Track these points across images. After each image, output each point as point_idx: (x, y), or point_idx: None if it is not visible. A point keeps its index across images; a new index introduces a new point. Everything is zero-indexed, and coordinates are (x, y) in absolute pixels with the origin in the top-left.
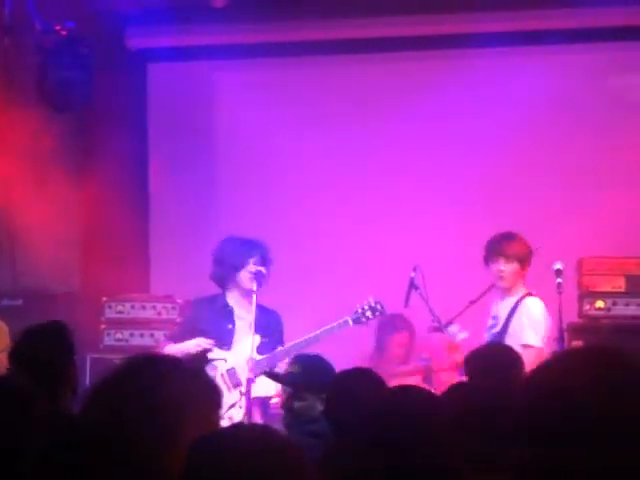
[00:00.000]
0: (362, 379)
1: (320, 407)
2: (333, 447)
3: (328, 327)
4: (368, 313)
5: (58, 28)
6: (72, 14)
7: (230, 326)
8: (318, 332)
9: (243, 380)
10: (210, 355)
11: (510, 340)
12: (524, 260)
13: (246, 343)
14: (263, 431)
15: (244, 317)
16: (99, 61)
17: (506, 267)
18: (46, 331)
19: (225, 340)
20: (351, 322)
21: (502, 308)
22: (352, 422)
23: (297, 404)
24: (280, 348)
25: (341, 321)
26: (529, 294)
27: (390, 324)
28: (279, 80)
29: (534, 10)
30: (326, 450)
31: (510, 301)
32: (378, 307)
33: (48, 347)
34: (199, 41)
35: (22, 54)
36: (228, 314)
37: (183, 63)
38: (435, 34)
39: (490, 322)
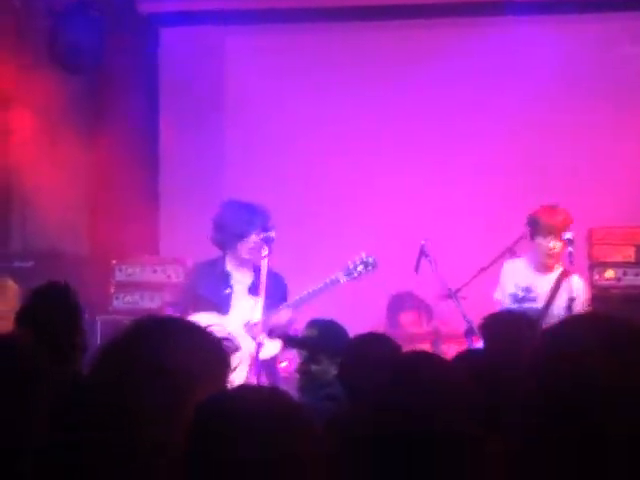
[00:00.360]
0: (377, 344)
1: (334, 371)
2: (347, 411)
3: (321, 284)
4: (360, 267)
5: None
6: None
7: (228, 291)
8: (310, 290)
9: (242, 344)
10: (209, 321)
11: (553, 317)
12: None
13: (243, 307)
14: (270, 393)
15: (242, 281)
16: (110, 25)
17: (556, 245)
18: (47, 292)
19: (223, 305)
20: (343, 277)
21: (541, 283)
22: (366, 387)
23: (314, 367)
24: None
25: (333, 277)
26: (569, 272)
27: (400, 302)
28: (289, 46)
29: None
30: (339, 414)
31: (550, 277)
32: (370, 261)
33: (48, 308)
34: (209, 5)
35: (33, 17)
36: (225, 279)
37: (194, 27)
38: (447, 2)
39: (520, 293)
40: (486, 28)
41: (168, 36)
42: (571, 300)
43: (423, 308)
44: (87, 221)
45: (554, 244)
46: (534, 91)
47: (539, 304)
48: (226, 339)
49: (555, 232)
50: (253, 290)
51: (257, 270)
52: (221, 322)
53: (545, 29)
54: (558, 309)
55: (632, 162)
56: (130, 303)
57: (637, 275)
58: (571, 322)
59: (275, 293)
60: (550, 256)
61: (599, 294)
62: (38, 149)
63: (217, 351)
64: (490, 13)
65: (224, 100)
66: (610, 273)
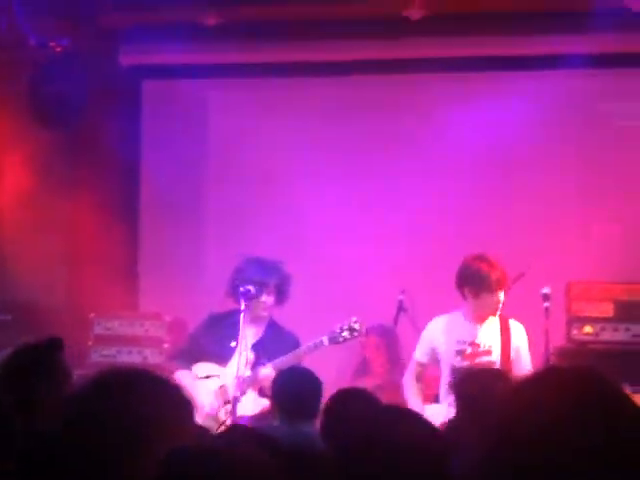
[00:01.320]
0: (357, 400)
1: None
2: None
3: (304, 346)
4: (345, 333)
5: (52, 44)
6: (67, 31)
7: (233, 344)
8: (296, 351)
9: (229, 396)
10: (209, 371)
11: (518, 366)
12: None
13: (242, 361)
14: (228, 451)
15: (248, 337)
16: (92, 77)
17: (502, 298)
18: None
19: (226, 357)
20: (326, 342)
21: (483, 334)
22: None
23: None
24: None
25: (317, 341)
26: (505, 317)
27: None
28: (267, 98)
29: (524, 37)
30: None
31: (488, 326)
32: (356, 327)
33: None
34: (191, 59)
35: (16, 68)
36: (233, 332)
37: (176, 80)
38: (435, 56)
39: (467, 348)
40: (461, 84)
41: (149, 88)
42: (518, 347)
43: (395, 340)
44: (66, 274)
45: (501, 297)
46: (511, 144)
47: (494, 357)
48: (222, 390)
49: (502, 285)
50: (255, 346)
51: (269, 327)
52: (218, 373)
53: (521, 84)
54: (517, 356)
55: (611, 216)
56: (108, 357)
57: (615, 330)
58: (543, 381)
59: (280, 350)
60: (497, 309)
61: (577, 349)
62: (17, 201)
63: (179, 402)
64: (468, 69)
65: (205, 149)
66: (588, 329)
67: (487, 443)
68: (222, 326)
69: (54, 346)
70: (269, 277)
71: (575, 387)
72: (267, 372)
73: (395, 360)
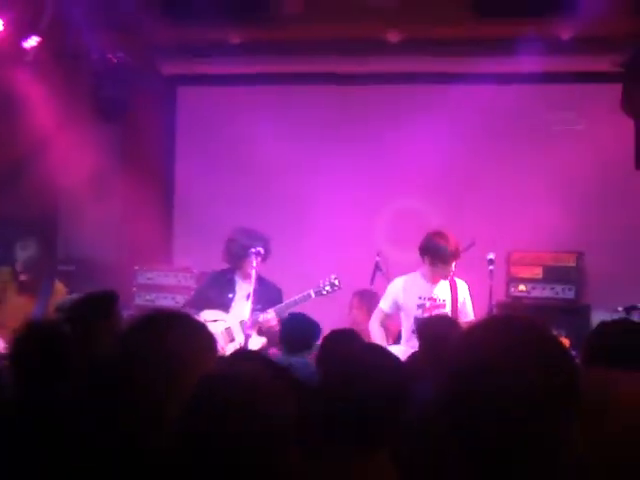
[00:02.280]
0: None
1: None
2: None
3: (295, 297)
4: (327, 288)
5: (109, 56)
6: (120, 45)
7: (231, 295)
8: (287, 301)
9: (236, 336)
10: (214, 316)
11: (463, 314)
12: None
13: (241, 309)
14: (248, 375)
15: (243, 288)
16: (139, 83)
17: (453, 267)
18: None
19: (226, 305)
20: (313, 294)
21: (439, 291)
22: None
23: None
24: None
25: (305, 293)
26: (453, 276)
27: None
28: (282, 103)
29: (480, 57)
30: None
31: (442, 285)
32: (336, 283)
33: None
34: (218, 70)
35: (80, 75)
36: (231, 286)
37: (206, 87)
38: (405, 72)
39: (427, 303)
40: (431, 94)
41: (185, 93)
42: (464, 300)
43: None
44: (116, 234)
45: (452, 266)
46: (467, 148)
47: (447, 309)
48: (227, 331)
49: (454, 258)
50: (249, 296)
51: (258, 281)
52: (223, 318)
53: (471, 96)
54: (464, 309)
55: (541, 200)
56: (148, 301)
57: (543, 289)
58: (491, 327)
59: (268, 298)
60: (448, 275)
61: (513, 303)
62: (80, 178)
63: (208, 338)
64: (433, 82)
65: (236, 149)
66: (522, 287)
67: (442, 376)
68: (221, 281)
69: (111, 296)
70: (256, 242)
71: (514, 331)
72: (269, 316)
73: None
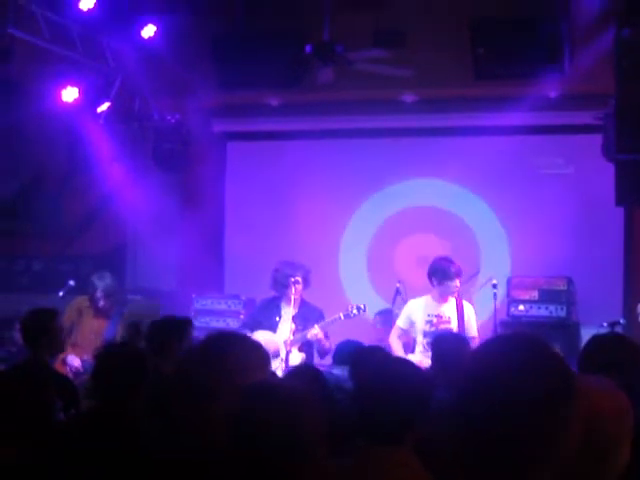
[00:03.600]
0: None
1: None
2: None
3: (328, 320)
4: (354, 311)
5: (168, 117)
6: (177, 108)
7: (277, 318)
8: (322, 323)
9: (280, 353)
10: (265, 336)
11: (468, 331)
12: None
13: (285, 330)
14: (288, 388)
15: (287, 312)
16: (194, 139)
17: (458, 284)
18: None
19: (273, 327)
20: (342, 317)
21: (445, 310)
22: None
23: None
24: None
25: (336, 316)
26: (460, 298)
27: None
28: (314, 154)
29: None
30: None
31: (449, 305)
32: (361, 307)
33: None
34: (261, 127)
35: (144, 133)
36: (277, 310)
37: (251, 142)
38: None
39: (434, 319)
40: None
41: (233, 147)
42: (468, 318)
43: None
44: (176, 267)
45: (457, 283)
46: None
47: (452, 325)
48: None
49: (460, 275)
50: (293, 319)
51: (301, 305)
52: (272, 338)
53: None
54: (469, 326)
55: (535, 232)
56: (203, 323)
57: (539, 309)
58: (500, 341)
59: (310, 318)
60: (455, 292)
61: (514, 321)
62: (145, 219)
63: (260, 353)
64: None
65: (276, 193)
66: (521, 307)
67: (457, 381)
68: (269, 307)
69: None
70: (297, 271)
71: (519, 347)
72: (315, 331)
73: None
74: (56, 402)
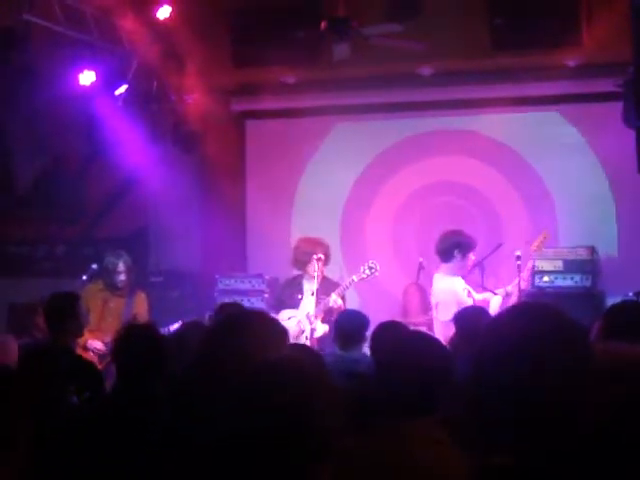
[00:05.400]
0: (393, 329)
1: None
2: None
3: (343, 285)
4: (367, 271)
5: (186, 97)
6: (194, 87)
7: (300, 296)
8: (338, 290)
9: (304, 327)
10: (289, 313)
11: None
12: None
13: (307, 305)
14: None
15: (309, 288)
16: (212, 118)
17: (473, 256)
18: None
19: (296, 305)
20: (355, 279)
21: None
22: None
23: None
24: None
25: (350, 280)
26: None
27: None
28: (329, 131)
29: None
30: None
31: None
32: (372, 266)
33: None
34: (278, 105)
35: (164, 115)
36: (299, 288)
37: (268, 120)
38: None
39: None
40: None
41: (251, 126)
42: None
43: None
44: (198, 248)
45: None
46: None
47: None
48: (297, 324)
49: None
50: (313, 293)
51: (322, 280)
52: (295, 314)
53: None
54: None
55: (561, 202)
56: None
57: (564, 279)
58: (515, 310)
59: (330, 290)
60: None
61: (539, 292)
62: (166, 201)
63: (278, 330)
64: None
65: (294, 170)
66: (546, 278)
67: (476, 352)
68: (292, 285)
69: (75, 297)
70: (320, 248)
71: (540, 316)
72: (334, 297)
73: (425, 305)
74: (69, 386)
